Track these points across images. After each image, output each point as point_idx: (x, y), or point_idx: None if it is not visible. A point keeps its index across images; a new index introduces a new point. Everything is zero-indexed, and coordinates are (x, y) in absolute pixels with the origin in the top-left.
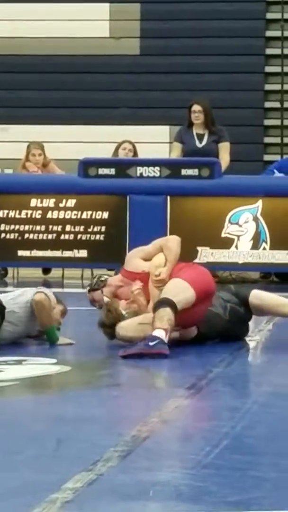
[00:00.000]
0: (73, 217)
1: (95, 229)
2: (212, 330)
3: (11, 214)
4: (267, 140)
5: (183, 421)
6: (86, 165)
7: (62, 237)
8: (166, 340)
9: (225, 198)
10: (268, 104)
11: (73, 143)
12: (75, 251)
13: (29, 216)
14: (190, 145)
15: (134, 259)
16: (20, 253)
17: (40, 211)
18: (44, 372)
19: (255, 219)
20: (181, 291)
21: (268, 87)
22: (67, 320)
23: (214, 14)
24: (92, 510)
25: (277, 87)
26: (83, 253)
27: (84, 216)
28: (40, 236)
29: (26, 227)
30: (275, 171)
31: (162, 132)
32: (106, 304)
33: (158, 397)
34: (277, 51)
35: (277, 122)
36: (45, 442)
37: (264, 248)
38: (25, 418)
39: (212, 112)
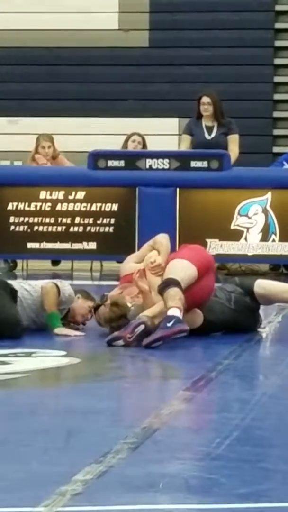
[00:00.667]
0: (82, 209)
1: (104, 221)
2: (218, 319)
3: (21, 206)
4: (276, 132)
5: (193, 413)
6: (96, 157)
7: (71, 229)
8: (181, 317)
9: (234, 190)
10: (277, 96)
11: (83, 135)
12: (84, 243)
13: (38, 208)
14: (199, 137)
15: (127, 264)
16: (30, 245)
17: (49, 204)
18: (53, 364)
19: (264, 211)
20: (182, 269)
21: (277, 79)
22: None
23: (223, 6)
24: (102, 502)
25: (286, 79)
26: (92, 245)
27: (93, 208)
28: (50, 228)
29: (36, 220)
30: (284, 163)
31: (171, 124)
32: (110, 299)
33: (168, 389)
34: (286, 43)
35: (286, 114)
36: (55, 434)
37: (273, 240)
38: (34, 410)
39: (221, 104)
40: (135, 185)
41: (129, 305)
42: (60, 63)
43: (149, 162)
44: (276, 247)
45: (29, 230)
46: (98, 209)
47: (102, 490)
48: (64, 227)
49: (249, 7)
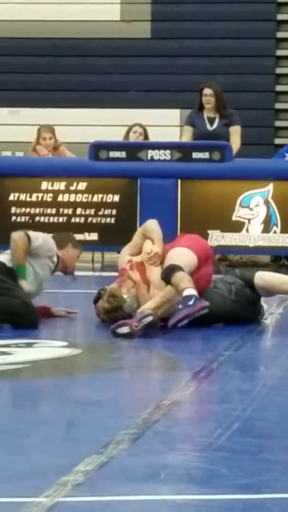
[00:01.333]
0: (84, 200)
1: (106, 212)
2: (219, 310)
3: (22, 197)
4: (278, 123)
5: (194, 404)
6: (97, 148)
7: (72, 220)
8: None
9: (236, 181)
10: (279, 88)
11: (84, 126)
12: (86, 234)
13: (40, 199)
14: (201, 128)
15: (123, 257)
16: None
17: (51, 194)
18: (54, 355)
19: (266, 202)
20: (183, 256)
21: (279, 70)
22: (77, 303)
23: None
24: (103, 492)
25: None
26: (93, 236)
27: (94, 199)
28: (51, 219)
29: (37, 210)
30: (286, 154)
31: (173, 115)
32: (107, 291)
33: (169, 380)
34: None
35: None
36: (56, 424)
37: (275, 232)
38: (35, 401)
39: (223, 95)
40: (137, 176)
41: (125, 296)
42: (61, 54)
43: (150, 153)
44: (278, 239)
45: (30, 221)
46: (99, 200)
47: (103, 481)
48: (65, 218)
49: None
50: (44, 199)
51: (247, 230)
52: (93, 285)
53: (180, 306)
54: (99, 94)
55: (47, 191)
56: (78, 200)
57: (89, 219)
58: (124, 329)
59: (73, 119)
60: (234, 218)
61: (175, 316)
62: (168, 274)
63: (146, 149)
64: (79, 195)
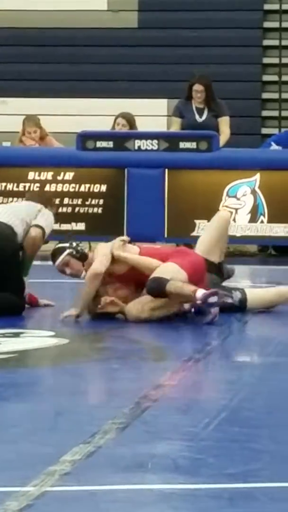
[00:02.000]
0: (71, 190)
1: (93, 202)
2: None
3: (9, 187)
4: (264, 113)
5: (181, 393)
6: (84, 138)
7: (60, 210)
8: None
9: (223, 171)
10: (266, 78)
11: (71, 116)
12: (73, 224)
13: (27, 189)
14: (190, 120)
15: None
16: None
17: (38, 184)
18: (42, 345)
19: (253, 192)
20: (172, 273)
21: (266, 60)
22: (64, 293)
23: None
24: (91, 482)
25: (275, 60)
26: (81, 226)
27: (82, 189)
28: None
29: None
30: (273, 143)
31: (160, 105)
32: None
33: (156, 370)
34: (275, 25)
35: (275, 95)
36: (43, 414)
37: (262, 222)
38: (22, 391)
39: (212, 87)
40: (124, 166)
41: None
42: (48, 44)
43: (137, 143)
44: (265, 228)
45: None
46: (86, 190)
47: (91, 470)
48: (53, 208)
49: None
50: (31, 189)
51: (234, 220)
52: None
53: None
54: (87, 84)
55: (34, 181)
56: (65, 190)
57: (76, 209)
58: (214, 298)
59: (60, 109)
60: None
61: (207, 318)
62: (158, 286)
63: (133, 139)
64: (66, 185)
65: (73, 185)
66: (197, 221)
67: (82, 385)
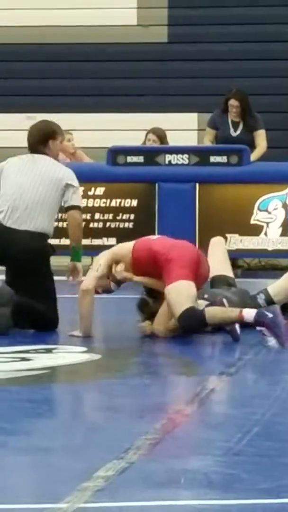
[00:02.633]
0: (102, 205)
1: (124, 217)
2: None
3: None
4: None
5: (214, 408)
6: (115, 153)
7: (91, 225)
8: None
9: (254, 185)
10: None
11: (102, 131)
12: (104, 239)
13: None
14: (224, 132)
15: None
16: (50, 241)
17: None
18: (74, 361)
19: (284, 205)
20: (186, 296)
21: None
22: (95, 307)
23: (243, 1)
24: (124, 498)
25: None
26: (112, 241)
27: (113, 204)
28: None
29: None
30: None
31: (191, 119)
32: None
33: (188, 384)
34: None
35: None
36: (76, 430)
37: None
38: (55, 406)
39: (249, 101)
40: (155, 180)
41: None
42: (79, 59)
43: (168, 157)
44: None
45: None
46: (117, 205)
47: (124, 486)
48: (84, 223)
49: (269, 1)
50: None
51: (265, 234)
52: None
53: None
54: (117, 99)
55: None
56: (96, 205)
57: (107, 224)
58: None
59: (91, 124)
60: (252, 222)
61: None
62: (198, 324)
63: (164, 153)
64: (97, 200)
65: (104, 200)
66: (228, 235)
67: (115, 400)
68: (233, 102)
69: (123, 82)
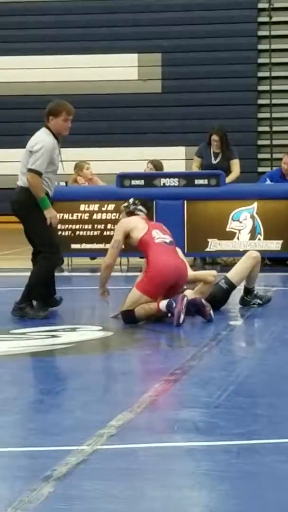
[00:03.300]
0: (113, 217)
1: None
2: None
3: (66, 216)
4: (260, 156)
5: (199, 372)
6: (122, 178)
7: (104, 233)
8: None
9: (229, 201)
10: (260, 129)
11: (112, 161)
12: None
13: (79, 217)
14: (207, 161)
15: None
16: (73, 246)
17: (87, 214)
18: (92, 337)
19: (252, 217)
20: (134, 300)
21: (260, 115)
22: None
23: (216, 60)
24: (131, 441)
25: (267, 115)
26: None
27: (121, 217)
28: (88, 233)
29: (77, 226)
30: (268, 180)
31: (180, 152)
32: None
33: (180, 354)
34: (267, 88)
35: (267, 142)
36: (94, 390)
37: (259, 239)
38: (79, 372)
39: (227, 136)
40: (153, 198)
41: None
42: (94, 106)
43: (163, 180)
44: (261, 244)
45: (72, 235)
46: None
47: (131, 433)
48: (99, 232)
49: (234, 60)
50: (82, 217)
51: (238, 238)
52: (121, 283)
53: (173, 313)
54: (123, 137)
55: (84, 212)
56: (108, 218)
57: None
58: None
59: (104, 156)
60: (227, 229)
61: (175, 318)
62: (131, 319)
63: (159, 178)
64: (109, 214)
65: (114, 214)
66: (209, 240)
67: (124, 367)
68: (214, 137)
69: (128, 124)
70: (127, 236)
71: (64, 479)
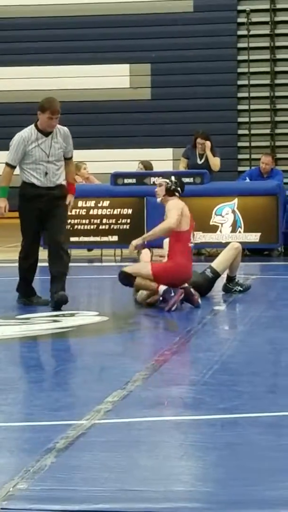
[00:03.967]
0: (108, 213)
1: (123, 221)
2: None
3: None
4: (239, 156)
5: (187, 352)
6: (116, 177)
7: (100, 227)
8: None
9: (212, 197)
10: (240, 132)
11: (107, 161)
12: (109, 236)
13: (77, 213)
14: (193, 161)
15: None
16: (72, 239)
17: (84, 210)
18: (90, 321)
19: (233, 211)
20: (142, 275)
21: (240, 119)
22: (104, 285)
23: (197, 70)
24: (126, 416)
25: (246, 119)
26: (115, 238)
27: (115, 212)
28: (85, 227)
29: (75, 221)
30: (247, 178)
31: (167, 153)
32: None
33: (169, 336)
34: (246, 95)
35: (246, 143)
36: (92, 369)
37: (240, 232)
38: (78, 353)
39: (211, 139)
40: (144, 195)
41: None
42: (90, 112)
43: (153, 179)
44: (242, 236)
45: (71, 228)
46: (118, 213)
47: (125, 408)
48: (95, 226)
49: (214, 82)
50: (80, 213)
51: (220, 231)
52: (116, 272)
53: (166, 299)
54: (116, 140)
55: (82, 208)
56: (103, 213)
57: (111, 226)
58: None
59: (99, 157)
60: (211, 223)
61: (168, 305)
62: (125, 285)
63: (150, 176)
64: (104, 209)
65: (109, 209)
66: (195, 232)
67: (118, 348)
68: (199, 140)
69: (121, 128)
70: None
71: (65, 450)
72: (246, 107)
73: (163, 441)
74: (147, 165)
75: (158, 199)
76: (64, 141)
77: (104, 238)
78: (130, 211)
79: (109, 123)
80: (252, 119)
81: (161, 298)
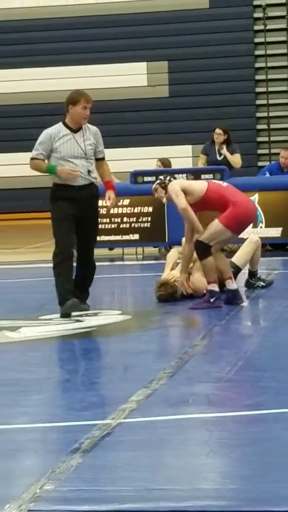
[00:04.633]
0: (128, 211)
1: (143, 219)
2: None
3: None
4: (259, 151)
5: (211, 349)
6: (136, 175)
7: (121, 226)
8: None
9: None
10: (259, 127)
11: (127, 160)
12: (131, 235)
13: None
14: (212, 157)
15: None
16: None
17: (105, 209)
18: (113, 320)
19: None
20: (216, 233)
21: (258, 114)
22: (126, 284)
23: (214, 66)
24: (150, 414)
25: (265, 114)
26: (136, 237)
27: (135, 210)
28: (106, 226)
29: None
30: (267, 173)
31: (187, 150)
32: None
33: (193, 334)
34: (264, 89)
35: (265, 139)
36: (116, 368)
37: (261, 227)
38: (101, 352)
39: (230, 133)
40: None
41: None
42: (110, 111)
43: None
44: (263, 231)
45: None
46: (139, 211)
47: (150, 406)
48: (116, 225)
49: (231, 78)
50: (101, 212)
51: None
52: (137, 270)
53: (204, 298)
54: (136, 138)
55: (102, 207)
56: (124, 212)
57: (132, 224)
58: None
59: (120, 156)
60: None
61: (198, 304)
62: (201, 255)
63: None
64: (125, 208)
65: (129, 208)
66: None
67: (142, 347)
68: (217, 130)
69: (139, 126)
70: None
71: (91, 450)
72: (264, 101)
73: (188, 439)
74: (165, 162)
75: (164, 201)
76: (95, 139)
77: (125, 237)
78: (150, 209)
79: (127, 121)
80: (271, 114)
81: (204, 292)
